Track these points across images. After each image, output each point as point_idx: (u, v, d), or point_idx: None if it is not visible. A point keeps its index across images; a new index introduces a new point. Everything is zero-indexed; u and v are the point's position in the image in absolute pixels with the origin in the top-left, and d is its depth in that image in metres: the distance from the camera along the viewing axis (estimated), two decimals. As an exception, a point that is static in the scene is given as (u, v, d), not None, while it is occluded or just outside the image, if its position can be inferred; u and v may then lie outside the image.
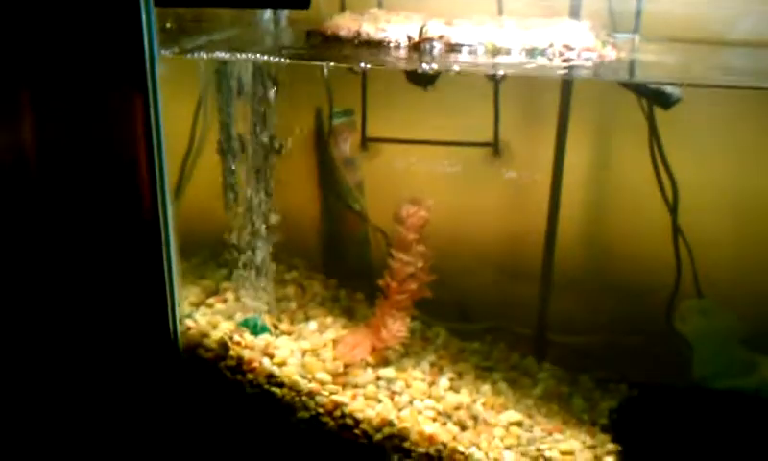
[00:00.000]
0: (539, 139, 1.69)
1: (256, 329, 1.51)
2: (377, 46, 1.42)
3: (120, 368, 1.43)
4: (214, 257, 1.75)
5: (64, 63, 1.30)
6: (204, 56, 1.44)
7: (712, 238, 1.68)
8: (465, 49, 1.39)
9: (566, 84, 1.59)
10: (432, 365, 1.57)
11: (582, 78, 1.53)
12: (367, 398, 1.43)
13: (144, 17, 1.25)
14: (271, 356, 1.45)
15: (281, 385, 1.42)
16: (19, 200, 1.38)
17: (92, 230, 1.38)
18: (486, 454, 1.36)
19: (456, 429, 1.41)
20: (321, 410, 1.40)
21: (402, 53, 1.41)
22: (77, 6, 1.26)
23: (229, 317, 1.54)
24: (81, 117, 1.33)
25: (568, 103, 1.60)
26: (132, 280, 1.39)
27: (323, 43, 1.46)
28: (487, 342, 1.72)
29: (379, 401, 1.43)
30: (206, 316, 1.51)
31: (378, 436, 1.38)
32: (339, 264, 1.85)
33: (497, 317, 1.79)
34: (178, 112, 1.63)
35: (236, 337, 1.46)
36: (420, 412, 1.43)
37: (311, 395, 1.41)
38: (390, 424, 1.38)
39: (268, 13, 1.61)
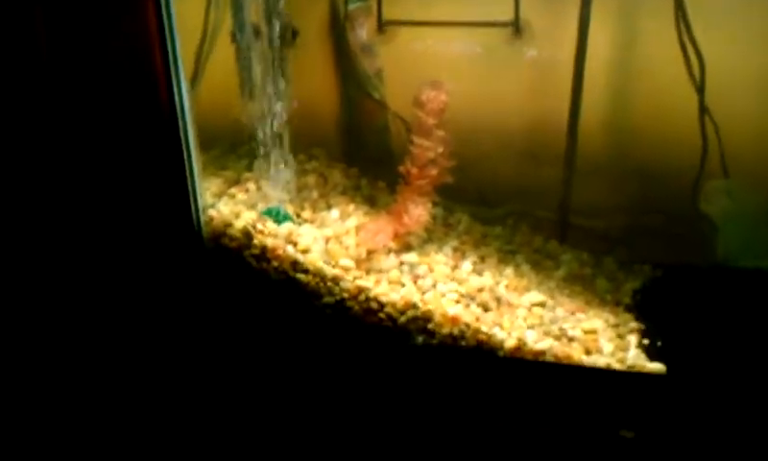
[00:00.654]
0: (561, 18, 1.63)
1: (279, 218, 1.51)
2: None
3: (146, 261, 1.44)
4: (234, 149, 1.74)
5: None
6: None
7: (740, 118, 1.63)
8: None
9: (591, -41, 1.52)
10: (455, 250, 1.58)
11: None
12: (390, 282, 1.45)
13: None
14: (294, 244, 1.46)
15: (306, 272, 1.43)
16: (33, 95, 1.36)
17: (108, 124, 1.37)
18: (509, 334, 1.38)
19: (479, 311, 1.42)
20: (345, 295, 1.42)
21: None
22: None
23: (252, 206, 1.54)
24: (92, 8, 1.30)
25: (592, -22, 1.54)
26: (152, 173, 1.39)
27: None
28: (509, 226, 1.73)
29: (403, 285, 1.44)
30: (229, 206, 1.52)
31: (402, 319, 1.40)
32: (359, 153, 1.83)
33: (520, 202, 1.78)
34: (190, 2, 1.59)
35: (259, 226, 1.46)
36: (443, 295, 1.44)
37: (335, 280, 1.42)
38: (414, 306, 1.40)
39: None
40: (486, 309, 1.43)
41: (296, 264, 1.43)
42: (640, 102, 1.72)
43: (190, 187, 1.41)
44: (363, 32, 1.75)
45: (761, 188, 1.62)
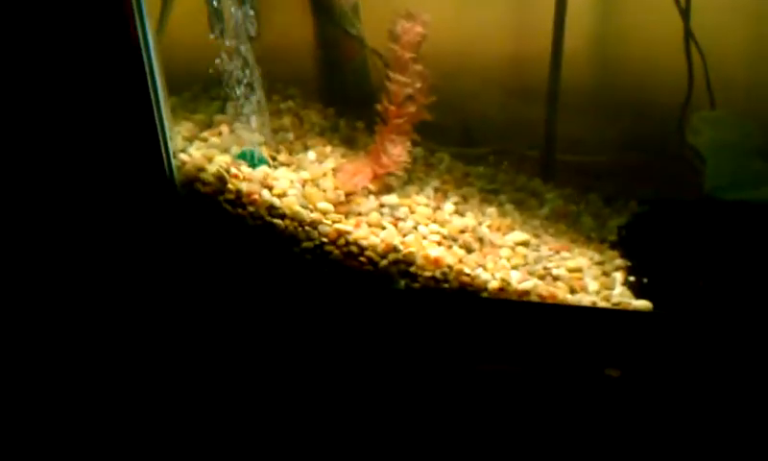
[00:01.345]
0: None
1: (254, 161, 1.46)
2: None
3: (117, 209, 1.40)
4: (206, 91, 1.68)
5: None
6: None
7: (728, 44, 1.59)
8: None
9: None
10: (436, 190, 1.54)
11: None
12: (370, 225, 1.41)
13: None
14: (270, 188, 1.41)
15: (283, 216, 1.39)
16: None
17: (71, 69, 1.30)
18: (492, 275, 1.35)
19: (462, 252, 1.39)
20: (324, 239, 1.38)
21: None
22: None
23: (225, 150, 1.48)
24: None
25: None
26: (118, 116, 1.33)
27: None
28: (492, 165, 1.68)
29: (383, 228, 1.41)
30: (201, 150, 1.46)
31: (384, 262, 1.37)
32: (337, 92, 1.77)
33: (503, 139, 1.73)
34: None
35: (233, 170, 1.41)
36: (424, 237, 1.41)
37: (314, 224, 1.38)
38: (395, 249, 1.36)
39: None
40: (469, 250, 1.40)
41: (272, 209, 1.39)
42: (624, 29, 1.67)
43: (159, 131, 1.35)
44: (337, -36, 1.68)
45: (749, 119, 1.58)
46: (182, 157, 1.42)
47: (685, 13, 1.56)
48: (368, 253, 1.37)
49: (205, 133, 1.53)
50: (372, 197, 1.47)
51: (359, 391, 1.36)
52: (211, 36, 1.49)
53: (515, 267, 1.38)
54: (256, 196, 1.39)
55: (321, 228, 1.38)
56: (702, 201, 1.56)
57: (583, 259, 1.42)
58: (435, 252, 1.36)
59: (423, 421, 1.33)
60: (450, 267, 1.35)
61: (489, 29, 1.71)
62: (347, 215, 1.42)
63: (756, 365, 1.25)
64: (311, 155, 1.55)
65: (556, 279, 1.37)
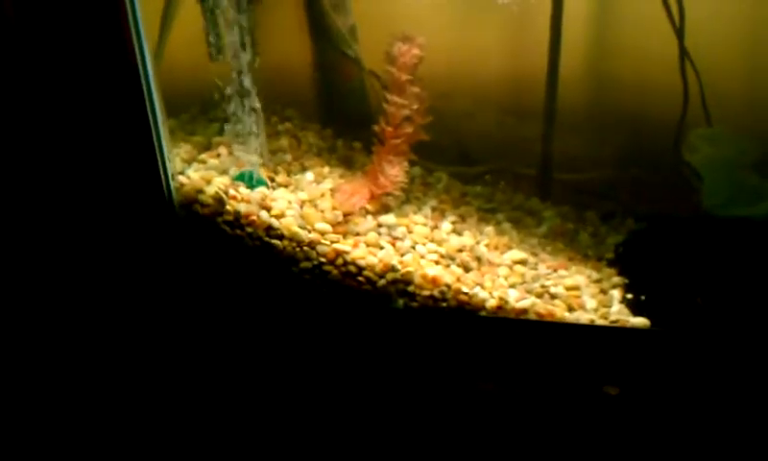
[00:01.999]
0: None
1: (252, 183, 1.47)
2: None
3: (116, 231, 1.40)
4: (204, 113, 1.69)
5: None
6: None
7: (723, 61, 1.60)
8: None
9: None
10: (434, 210, 1.55)
11: None
12: (368, 245, 1.41)
13: None
14: (268, 209, 1.41)
15: (281, 237, 1.39)
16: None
17: (72, 90, 1.32)
18: (490, 293, 1.35)
19: (460, 271, 1.39)
20: (323, 259, 1.39)
21: None
22: None
23: (224, 172, 1.49)
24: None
25: None
26: (118, 139, 1.34)
27: None
28: (489, 184, 1.69)
29: (381, 248, 1.41)
30: (200, 172, 1.47)
31: (382, 282, 1.37)
32: (335, 113, 1.78)
33: (500, 158, 1.74)
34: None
35: (232, 191, 1.42)
36: (422, 256, 1.41)
37: (312, 245, 1.39)
38: (393, 269, 1.37)
39: None
40: (466, 269, 1.40)
41: (270, 229, 1.39)
42: (620, 48, 1.68)
43: (158, 153, 1.36)
44: (333, -13, 1.70)
45: (745, 135, 1.59)
46: (181, 178, 1.43)
47: (680, 32, 1.57)
48: (366, 272, 1.38)
49: (204, 155, 1.54)
50: (369, 217, 1.47)
51: (359, 410, 1.36)
52: (209, 59, 1.51)
53: (512, 285, 1.39)
54: (255, 217, 1.40)
55: (319, 248, 1.39)
56: (699, 217, 1.56)
57: (580, 277, 1.42)
58: (433, 271, 1.36)
59: (422, 439, 1.32)
60: (448, 286, 1.35)
61: (485, 49, 1.73)
62: (345, 235, 1.42)
63: (755, 381, 1.25)
64: (309, 175, 1.56)
65: (554, 297, 1.37)
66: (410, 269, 1.36)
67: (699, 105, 1.61)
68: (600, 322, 1.32)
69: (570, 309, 1.35)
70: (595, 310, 1.35)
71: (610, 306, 1.35)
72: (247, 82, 1.51)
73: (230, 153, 1.54)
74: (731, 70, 1.61)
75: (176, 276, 1.42)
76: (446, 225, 1.50)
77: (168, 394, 1.41)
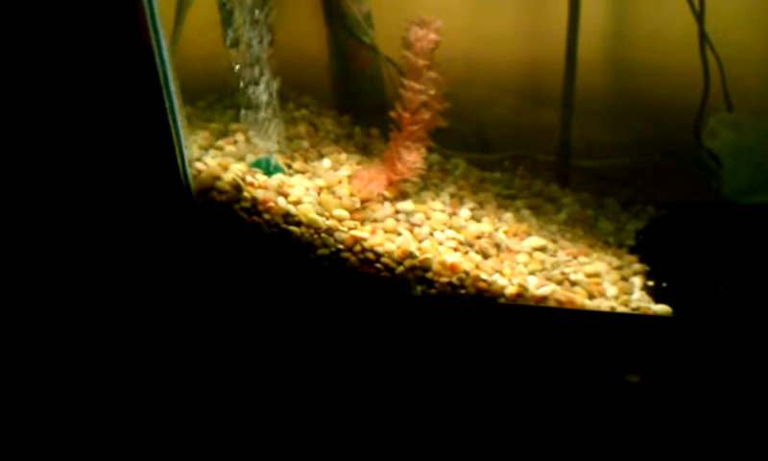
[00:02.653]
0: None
1: (269, 169, 1.47)
2: None
3: (133, 218, 1.40)
4: (221, 100, 1.68)
5: None
6: None
7: (743, 46, 1.58)
8: None
9: None
10: (452, 196, 1.53)
11: None
12: (386, 231, 1.41)
13: None
14: (286, 195, 1.41)
15: (299, 224, 1.39)
16: (11, 50, 1.30)
17: (86, 78, 1.31)
18: (509, 280, 1.34)
19: (478, 258, 1.38)
20: (341, 246, 1.38)
21: None
22: None
23: (241, 159, 1.49)
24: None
25: None
26: (134, 125, 1.33)
27: None
28: (508, 170, 1.68)
29: (399, 234, 1.40)
30: (217, 158, 1.46)
31: (400, 269, 1.36)
32: (351, 100, 1.77)
33: (518, 145, 1.73)
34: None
35: (249, 178, 1.41)
36: (440, 243, 1.40)
37: (330, 232, 1.38)
38: (411, 255, 1.36)
39: None
40: (485, 256, 1.39)
41: (288, 216, 1.39)
42: (639, 33, 1.66)
43: (175, 140, 1.35)
44: (349, -27, 1.69)
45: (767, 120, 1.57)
46: (198, 165, 1.42)
47: (700, 16, 1.55)
48: (384, 259, 1.37)
49: (221, 142, 1.53)
50: (387, 203, 1.46)
51: (376, 398, 1.36)
52: (225, 45, 1.51)
53: (532, 272, 1.37)
54: (272, 204, 1.39)
55: (337, 235, 1.38)
56: (720, 204, 1.54)
57: (601, 264, 1.41)
58: (451, 257, 1.36)
59: (440, 428, 1.32)
60: (467, 273, 1.34)
61: (502, 34, 1.71)
62: (362, 222, 1.41)
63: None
64: (326, 162, 1.55)
65: (574, 284, 1.36)
66: (428, 256, 1.35)
67: (720, 89, 1.59)
68: (621, 309, 1.31)
69: (591, 297, 1.34)
70: (616, 298, 1.33)
71: (631, 294, 1.34)
72: (263, 68, 1.50)
73: (247, 140, 1.54)
74: (752, 54, 1.59)
75: (193, 263, 1.41)
76: (465, 211, 1.49)
77: (186, 380, 1.41)
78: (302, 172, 1.51)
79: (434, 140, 1.51)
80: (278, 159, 1.50)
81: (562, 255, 1.43)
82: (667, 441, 1.24)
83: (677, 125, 1.64)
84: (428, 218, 1.45)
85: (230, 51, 1.51)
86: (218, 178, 1.41)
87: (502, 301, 1.33)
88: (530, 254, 1.42)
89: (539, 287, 1.33)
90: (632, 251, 1.47)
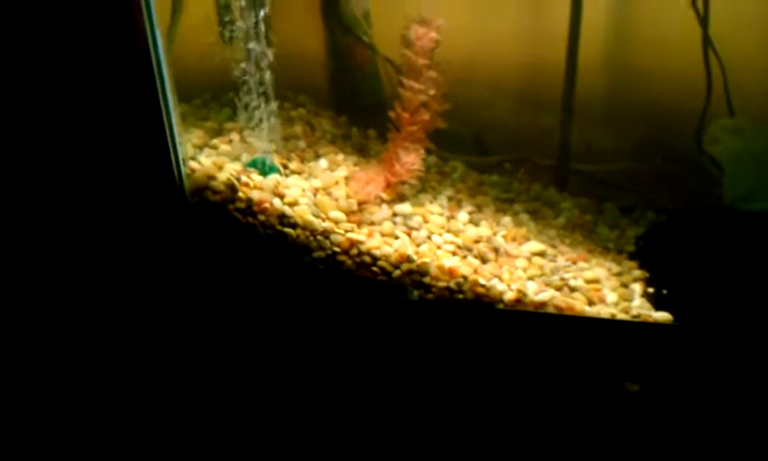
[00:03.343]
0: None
1: (265, 169, 1.44)
2: None
3: (126, 217, 1.37)
4: (217, 98, 1.66)
5: None
6: None
7: (746, 51, 1.56)
8: None
9: None
10: (450, 199, 1.51)
11: None
12: (383, 234, 1.38)
13: None
14: (281, 196, 1.38)
15: (294, 226, 1.36)
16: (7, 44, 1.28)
17: (81, 74, 1.28)
18: (508, 286, 1.32)
19: (477, 262, 1.36)
20: (337, 249, 1.35)
21: None
22: None
23: (236, 158, 1.46)
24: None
25: None
26: (128, 122, 1.30)
27: None
28: (507, 174, 1.65)
29: (396, 238, 1.38)
30: (212, 157, 1.43)
31: (397, 272, 1.34)
32: (348, 100, 1.75)
33: (517, 148, 1.71)
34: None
35: (244, 178, 1.39)
36: (438, 247, 1.38)
37: (326, 234, 1.36)
38: (408, 259, 1.33)
39: None
40: (484, 261, 1.37)
41: (283, 217, 1.36)
42: (640, 36, 1.64)
43: (169, 138, 1.32)
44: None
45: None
46: (192, 164, 1.39)
47: (704, 20, 1.53)
48: (381, 263, 1.34)
49: (216, 141, 1.50)
50: (384, 206, 1.44)
51: (372, 403, 1.33)
52: (221, 43, 1.48)
53: (531, 278, 1.35)
54: (267, 205, 1.36)
55: (333, 237, 1.35)
56: (721, 210, 1.53)
57: (600, 270, 1.39)
58: (449, 262, 1.33)
59: (438, 434, 1.30)
60: (465, 277, 1.32)
61: (502, 36, 1.69)
62: (359, 224, 1.39)
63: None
64: (323, 163, 1.53)
65: (573, 290, 1.34)
66: (426, 260, 1.33)
67: (722, 94, 1.58)
68: (621, 316, 1.29)
69: (590, 303, 1.32)
70: (616, 304, 1.31)
71: (631, 300, 1.32)
72: (259, 66, 1.47)
73: (242, 139, 1.51)
74: (756, 59, 1.57)
75: (186, 263, 1.39)
76: (463, 215, 1.47)
77: (179, 384, 1.39)
78: (299, 172, 1.49)
79: (432, 142, 1.49)
80: (274, 159, 1.48)
81: (561, 261, 1.41)
82: (668, 451, 1.22)
83: (678, 130, 1.62)
84: (426, 221, 1.43)
85: (226, 48, 1.48)
86: (212, 177, 1.38)
87: (501, 306, 1.31)
88: (529, 259, 1.40)
89: (538, 293, 1.31)
90: (631, 257, 1.45)
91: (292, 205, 1.38)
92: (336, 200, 1.42)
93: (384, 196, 1.45)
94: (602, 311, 1.30)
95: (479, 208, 1.51)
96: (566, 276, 1.36)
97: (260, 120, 1.49)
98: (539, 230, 1.49)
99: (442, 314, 1.34)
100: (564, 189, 1.64)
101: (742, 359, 1.24)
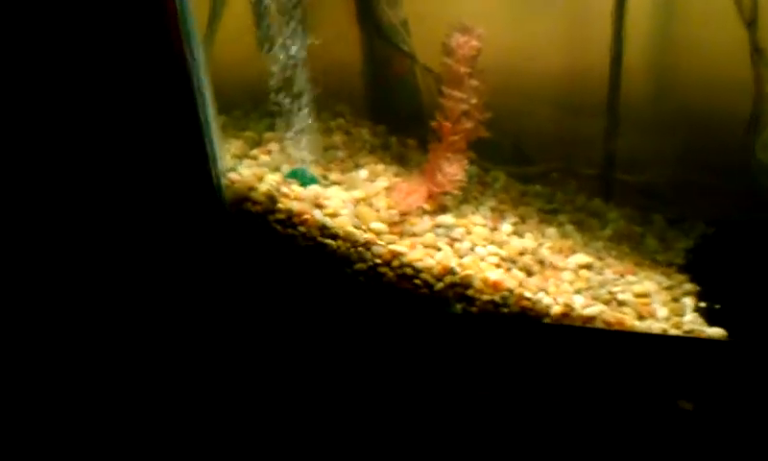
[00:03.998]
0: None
1: (305, 180, 1.42)
2: None
3: (166, 229, 1.36)
4: (256, 109, 1.64)
5: None
6: None
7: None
8: None
9: None
10: (493, 210, 1.48)
11: None
12: (426, 246, 1.36)
13: None
14: (321, 207, 1.37)
15: (335, 237, 1.34)
16: (39, 60, 1.27)
17: (118, 86, 1.28)
18: (555, 299, 1.28)
19: (522, 275, 1.33)
20: (378, 261, 1.33)
21: None
22: None
23: (276, 169, 1.45)
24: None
25: None
26: (167, 134, 1.30)
27: None
28: (550, 184, 1.62)
29: (439, 249, 1.35)
30: (251, 168, 1.42)
31: (440, 285, 1.31)
32: (387, 110, 1.73)
33: (560, 157, 1.67)
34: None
35: (284, 189, 1.37)
36: (482, 259, 1.35)
37: (367, 245, 1.33)
38: (451, 272, 1.31)
39: None
40: (529, 273, 1.34)
41: (324, 229, 1.34)
42: (686, 42, 1.59)
43: (209, 149, 1.32)
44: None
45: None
46: (232, 175, 1.38)
47: (752, 25, 1.48)
48: (423, 275, 1.32)
49: (255, 151, 1.49)
50: (426, 217, 1.41)
51: (415, 418, 1.30)
52: (260, 53, 1.47)
53: (578, 291, 1.32)
54: (308, 216, 1.35)
55: (374, 249, 1.33)
56: (773, 222, 1.48)
57: (650, 283, 1.35)
58: (494, 274, 1.30)
59: (481, 451, 1.27)
60: (510, 291, 1.29)
61: (543, 42, 1.66)
62: (401, 236, 1.37)
63: None
64: (363, 173, 1.50)
65: (622, 304, 1.30)
66: (469, 272, 1.30)
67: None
68: (673, 332, 1.25)
69: (641, 317, 1.28)
70: (667, 319, 1.27)
71: (682, 315, 1.28)
72: (297, 76, 1.46)
73: (282, 149, 1.50)
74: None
75: (226, 274, 1.37)
76: (506, 226, 1.43)
77: (216, 392, 1.37)
78: (339, 183, 1.47)
79: (472, 152, 1.46)
80: (314, 170, 1.46)
81: (608, 274, 1.37)
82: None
83: (727, 138, 1.57)
84: (469, 233, 1.40)
85: (265, 57, 1.47)
86: (252, 188, 1.37)
87: (547, 320, 1.28)
88: (575, 272, 1.36)
89: (585, 307, 1.28)
90: (681, 270, 1.41)
91: (332, 216, 1.36)
92: (377, 211, 1.39)
93: (426, 207, 1.42)
94: (653, 326, 1.26)
95: (523, 219, 1.47)
96: (615, 289, 1.32)
97: (300, 130, 1.47)
98: (585, 242, 1.45)
99: (486, 328, 1.31)
100: (608, 200, 1.60)
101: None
